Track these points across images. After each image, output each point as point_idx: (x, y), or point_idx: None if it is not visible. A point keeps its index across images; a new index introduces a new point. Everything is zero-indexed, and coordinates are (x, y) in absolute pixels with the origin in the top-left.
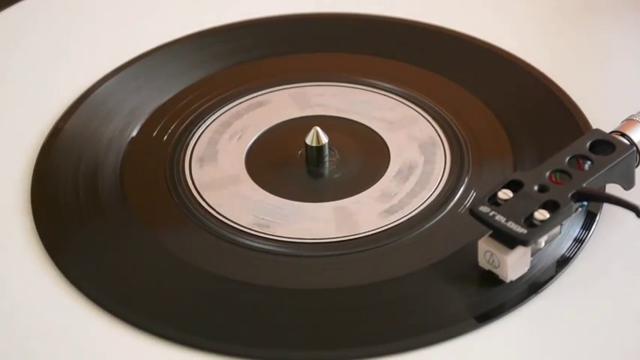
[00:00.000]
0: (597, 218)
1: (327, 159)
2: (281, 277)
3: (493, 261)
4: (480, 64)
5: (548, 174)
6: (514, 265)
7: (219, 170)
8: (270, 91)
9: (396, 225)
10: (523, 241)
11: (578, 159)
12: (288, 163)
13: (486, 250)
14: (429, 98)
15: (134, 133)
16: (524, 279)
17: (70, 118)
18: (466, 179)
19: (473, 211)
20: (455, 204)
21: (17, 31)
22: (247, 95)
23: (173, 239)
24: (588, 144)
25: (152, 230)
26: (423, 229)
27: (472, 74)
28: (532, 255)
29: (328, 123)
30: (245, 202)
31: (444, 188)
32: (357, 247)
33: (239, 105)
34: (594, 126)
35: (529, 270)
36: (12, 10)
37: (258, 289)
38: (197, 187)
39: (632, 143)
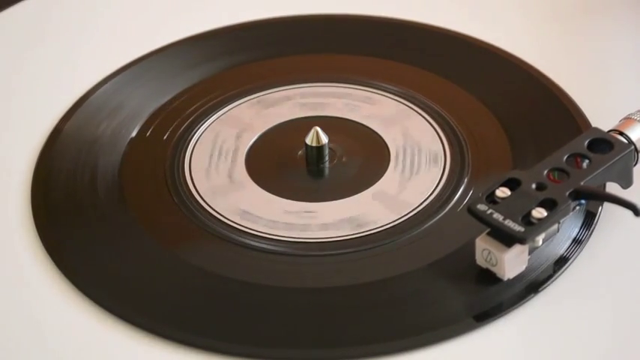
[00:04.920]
0: (597, 217)
1: (327, 159)
2: (280, 276)
3: (491, 259)
4: (479, 65)
5: (546, 172)
6: (511, 263)
7: (218, 171)
8: (270, 92)
9: (396, 225)
10: (520, 239)
11: (577, 157)
12: (288, 163)
13: (484, 248)
14: (428, 98)
15: (134, 134)
16: (523, 278)
17: (70, 119)
18: (466, 179)
19: (471, 209)
20: (455, 203)
21: (17, 32)
22: (247, 96)
23: (173, 240)
24: (586, 142)
25: (152, 230)
26: (423, 228)
27: (471, 74)
28: (530, 253)
29: (328, 123)
30: (245, 202)
31: (443, 188)
32: (355, 246)
33: (238, 106)
34: (593, 125)
35: (528, 269)
36: (11, 12)
37: (257, 288)
38: (197, 187)
39: (631, 142)
